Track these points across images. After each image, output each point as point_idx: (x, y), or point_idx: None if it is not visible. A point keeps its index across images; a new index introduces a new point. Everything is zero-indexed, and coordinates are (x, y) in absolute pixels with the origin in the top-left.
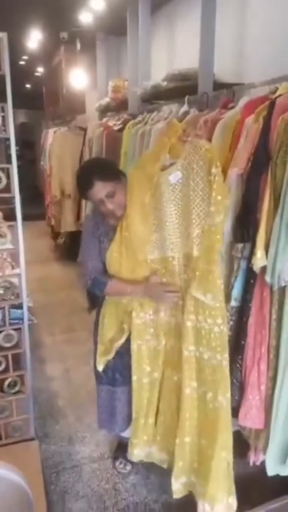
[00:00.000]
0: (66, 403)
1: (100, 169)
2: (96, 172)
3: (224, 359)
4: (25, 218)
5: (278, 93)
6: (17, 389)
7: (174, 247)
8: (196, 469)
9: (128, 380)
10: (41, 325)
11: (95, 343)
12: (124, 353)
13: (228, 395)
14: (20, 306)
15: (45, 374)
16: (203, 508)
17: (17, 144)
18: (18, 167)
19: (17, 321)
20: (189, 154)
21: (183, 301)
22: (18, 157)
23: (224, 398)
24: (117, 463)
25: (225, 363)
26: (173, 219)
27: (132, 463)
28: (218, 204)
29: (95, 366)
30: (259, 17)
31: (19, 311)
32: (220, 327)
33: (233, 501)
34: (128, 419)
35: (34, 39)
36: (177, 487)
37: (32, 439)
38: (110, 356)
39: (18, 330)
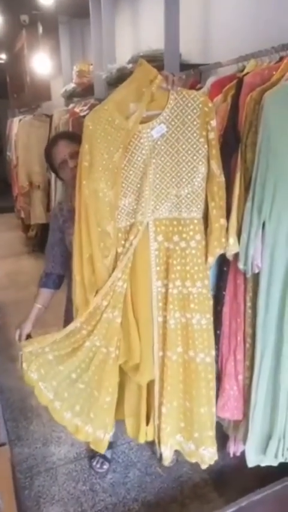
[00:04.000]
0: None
1: (66, 133)
2: (62, 134)
3: (207, 319)
4: None
5: (245, 71)
6: None
7: (144, 211)
8: (183, 428)
9: None
10: (13, 322)
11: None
12: None
13: (213, 352)
14: None
15: (17, 372)
16: (188, 448)
17: None
18: None
19: None
20: (177, 106)
21: (165, 272)
22: None
23: (209, 356)
24: (94, 462)
25: (209, 322)
26: (150, 178)
27: (109, 461)
28: (218, 158)
29: None
30: None
31: None
32: (199, 290)
33: (214, 451)
34: None
35: None
36: (166, 454)
37: (2, 444)
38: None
39: None
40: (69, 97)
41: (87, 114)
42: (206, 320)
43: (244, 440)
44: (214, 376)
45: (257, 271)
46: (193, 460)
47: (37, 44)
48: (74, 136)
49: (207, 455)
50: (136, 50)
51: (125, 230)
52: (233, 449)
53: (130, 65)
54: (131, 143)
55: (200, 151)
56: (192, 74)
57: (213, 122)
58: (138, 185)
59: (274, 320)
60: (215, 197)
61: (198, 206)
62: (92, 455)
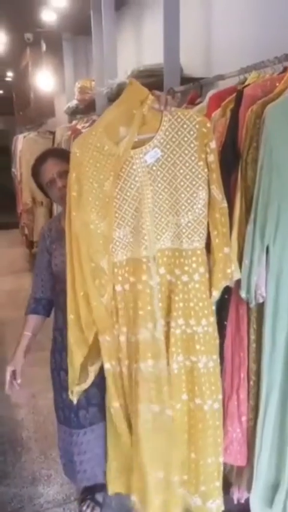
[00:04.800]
0: (31, 434)
1: (55, 150)
2: (50, 152)
3: (214, 361)
4: (1, 227)
5: (247, 83)
6: None
7: (148, 245)
8: (186, 481)
9: (85, 422)
10: (9, 342)
11: (56, 369)
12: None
13: (220, 396)
14: None
15: (9, 400)
16: (193, 503)
17: None
18: None
19: None
20: (172, 127)
21: (167, 309)
22: None
23: (217, 402)
24: (84, 507)
25: (216, 364)
26: (149, 207)
27: (101, 505)
28: (219, 183)
29: (54, 399)
30: (225, 5)
31: None
32: (204, 328)
33: (221, 502)
34: (90, 472)
35: None
36: None
37: None
38: (86, 384)
39: None
40: (72, 113)
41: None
42: (213, 361)
43: (248, 488)
44: (221, 422)
45: (261, 300)
46: None
47: (41, 62)
48: (63, 154)
49: (214, 508)
50: (138, 64)
51: (121, 265)
52: (237, 495)
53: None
54: (123, 170)
55: (200, 176)
56: (192, 88)
57: (213, 144)
58: (134, 216)
59: (281, 357)
60: (218, 225)
61: (201, 235)
62: (83, 498)
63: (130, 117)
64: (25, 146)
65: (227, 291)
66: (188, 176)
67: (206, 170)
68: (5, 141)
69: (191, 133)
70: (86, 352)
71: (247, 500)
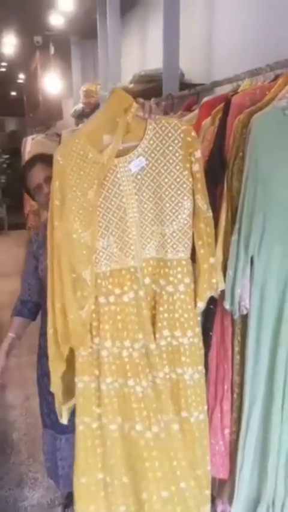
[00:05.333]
0: (22, 436)
1: (43, 155)
2: (38, 157)
3: (200, 372)
4: (11, 227)
5: (239, 90)
6: None
7: (135, 254)
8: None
9: (69, 429)
10: None
11: (41, 375)
12: None
13: (205, 407)
14: None
15: (5, 401)
16: None
17: (6, 152)
18: (8, 175)
19: None
20: (156, 136)
21: (152, 319)
22: (8, 166)
23: (203, 413)
24: None
25: (202, 376)
26: (135, 217)
27: None
28: (204, 193)
29: (40, 406)
30: (227, 11)
31: None
32: (190, 340)
33: (208, 509)
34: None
35: (9, 44)
36: None
37: None
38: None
39: None
40: (79, 116)
41: None
42: (198, 373)
43: (230, 501)
44: (207, 432)
45: (245, 312)
46: None
47: (49, 65)
48: (49, 159)
49: None
50: (142, 69)
51: (105, 276)
52: (221, 507)
53: (132, 85)
54: (107, 179)
55: (185, 185)
56: (190, 94)
57: (198, 153)
58: (118, 225)
59: (264, 371)
60: (203, 235)
61: (185, 245)
62: (67, 503)
63: (114, 125)
64: (33, 148)
65: (212, 301)
66: (172, 186)
67: (190, 179)
68: (17, 142)
69: (176, 141)
70: (63, 368)
71: None
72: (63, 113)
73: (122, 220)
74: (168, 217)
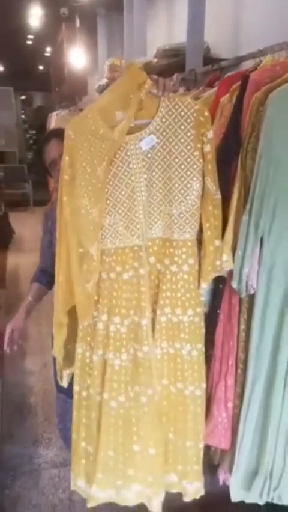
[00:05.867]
0: (38, 400)
1: (59, 131)
2: (54, 132)
3: (199, 350)
4: (37, 203)
5: (260, 67)
6: None
7: (141, 233)
8: (163, 462)
9: None
10: (42, 316)
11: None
12: None
13: (203, 385)
14: None
15: (24, 367)
16: (169, 480)
17: (33, 128)
18: (34, 151)
19: None
20: (169, 114)
21: (154, 297)
22: (34, 142)
23: (199, 389)
24: None
25: (201, 353)
26: (143, 195)
27: None
28: (214, 174)
29: (54, 370)
30: None
31: None
32: (190, 318)
33: (200, 485)
34: None
35: (36, 16)
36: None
37: None
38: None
39: None
40: (103, 91)
41: None
42: (197, 350)
43: (230, 471)
44: (204, 410)
45: (252, 292)
46: (174, 490)
47: (75, 38)
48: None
49: (191, 489)
50: (168, 43)
51: (109, 253)
52: (223, 477)
53: (155, 60)
54: (117, 156)
55: (195, 166)
56: (212, 70)
57: (210, 134)
58: (125, 203)
59: (268, 348)
60: (210, 217)
61: (192, 226)
62: None
63: (127, 101)
64: (56, 124)
65: (221, 280)
66: (182, 166)
67: (201, 160)
68: (44, 118)
69: (188, 121)
70: (64, 335)
71: None
72: (88, 88)
73: (130, 198)
74: (176, 197)
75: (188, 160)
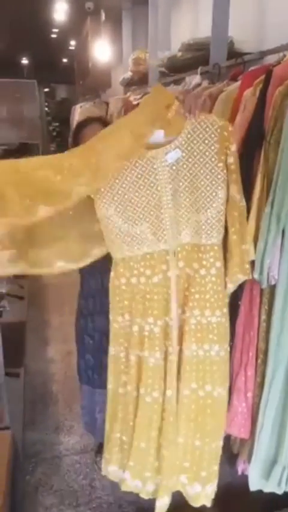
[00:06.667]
0: (60, 388)
1: (100, 117)
2: (95, 118)
3: (225, 350)
4: None
5: (284, 61)
6: None
7: (167, 238)
8: (188, 468)
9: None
10: (52, 304)
11: (80, 334)
12: (101, 351)
13: (227, 384)
14: None
15: (46, 355)
16: (192, 490)
17: (56, 120)
18: (57, 143)
19: None
20: (194, 130)
21: (183, 300)
22: (58, 134)
23: (225, 389)
24: (98, 458)
25: (227, 353)
26: (169, 204)
27: None
28: (239, 183)
29: (78, 364)
30: None
31: None
32: (218, 319)
33: (215, 485)
34: None
35: (61, 10)
36: (161, 505)
37: (6, 428)
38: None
39: None
40: (127, 85)
41: (139, 103)
42: (224, 351)
43: (249, 460)
44: (226, 409)
45: (273, 283)
46: (198, 505)
47: (100, 31)
48: (105, 121)
49: (210, 492)
50: (192, 37)
51: (137, 259)
52: (242, 467)
53: (180, 53)
54: (143, 169)
55: (219, 176)
56: (236, 64)
57: (233, 147)
58: (152, 212)
59: None
60: (235, 223)
61: (218, 231)
62: (98, 450)
63: (155, 120)
64: (80, 116)
65: None
66: (208, 177)
67: (225, 171)
68: (67, 110)
69: (212, 136)
70: None
71: None
72: (111, 81)
73: (157, 207)
74: (203, 205)
75: (213, 171)
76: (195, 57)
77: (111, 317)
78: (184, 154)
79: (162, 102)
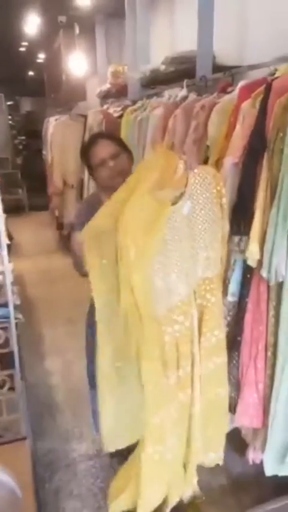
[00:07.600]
0: (65, 397)
1: (108, 134)
2: (101, 134)
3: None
4: (32, 208)
5: (276, 75)
6: (6, 388)
7: (190, 282)
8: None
9: None
10: (42, 317)
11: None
12: None
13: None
14: (5, 304)
15: (44, 368)
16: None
17: (22, 134)
18: (24, 157)
19: (3, 319)
20: (196, 182)
21: (199, 329)
22: (24, 147)
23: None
24: (113, 460)
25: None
26: (187, 254)
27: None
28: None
29: (87, 368)
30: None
31: (5, 309)
32: (221, 335)
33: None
34: None
35: (32, 24)
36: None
37: (23, 438)
38: None
39: (5, 328)
40: (104, 97)
41: (120, 115)
42: (223, 359)
43: (262, 449)
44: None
45: (281, 280)
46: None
47: (73, 44)
48: (112, 136)
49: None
50: (172, 50)
51: (170, 308)
52: (252, 456)
53: (163, 67)
54: (168, 226)
55: (219, 215)
56: (224, 77)
57: (224, 190)
58: (179, 262)
59: None
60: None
61: (218, 263)
62: (113, 453)
63: (165, 180)
64: (56, 129)
65: (249, 270)
66: (212, 219)
67: (221, 212)
68: (34, 123)
69: (210, 183)
70: None
71: (261, 461)
72: (86, 94)
73: (181, 257)
74: (209, 243)
75: (215, 212)
76: (178, 70)
77: None
78: (193, 205)
79: (170, 163)
